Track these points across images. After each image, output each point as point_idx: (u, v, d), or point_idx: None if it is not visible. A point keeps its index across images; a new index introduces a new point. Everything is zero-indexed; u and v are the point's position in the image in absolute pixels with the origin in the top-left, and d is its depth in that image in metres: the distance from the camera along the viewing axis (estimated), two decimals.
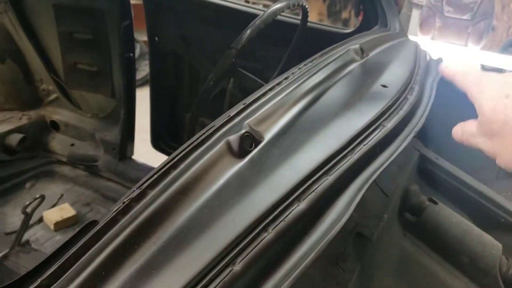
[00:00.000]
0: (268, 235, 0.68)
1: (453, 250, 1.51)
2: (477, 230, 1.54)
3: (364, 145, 0.89)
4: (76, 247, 0.61)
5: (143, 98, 3.05)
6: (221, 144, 0.79)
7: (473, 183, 1.74)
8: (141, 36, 4.81)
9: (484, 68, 1.98)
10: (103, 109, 3.04)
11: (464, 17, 5.81)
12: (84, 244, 0.62)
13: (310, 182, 0.77)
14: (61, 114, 3.17)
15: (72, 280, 0.59)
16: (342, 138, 0.88)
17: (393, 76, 1.21)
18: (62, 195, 2.80)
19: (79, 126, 3.07)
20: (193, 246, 0.64)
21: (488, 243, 1.51)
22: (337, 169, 0.82)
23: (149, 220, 0.66)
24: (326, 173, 0.80)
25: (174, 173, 0.73)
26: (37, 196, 2.03)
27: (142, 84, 4.90)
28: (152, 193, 0.70)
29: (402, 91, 1.13)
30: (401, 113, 1.05)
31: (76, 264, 0.60)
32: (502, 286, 1.45)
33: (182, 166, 0.74)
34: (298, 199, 0.74)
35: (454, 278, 1.50)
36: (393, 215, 1.54)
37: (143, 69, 5.76)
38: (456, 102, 1.85)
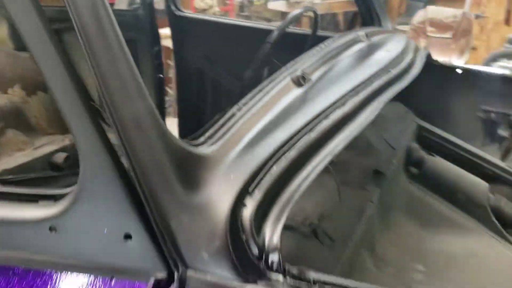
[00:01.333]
0: (326, 121, 1.09)
1: (451, 190, 1.90)
2: (468, 174, 1.95)
3: (380, 79, 1.32)
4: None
5: None
6: (288, 79, 1.21)
7: (463, 144, 2.14)
8: None
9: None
10: None
11: (446, 35, 6.35)
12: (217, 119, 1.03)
13: (349, 95, 1.19)
14: None
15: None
16: (365, 75, 1.31)
17: (393, 47, 1.64)
18: None
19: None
20: (284, 126, 1.05)
21: (478, 183, 1.91)
22: (364, 91, 1.24)
23: (254, 113, 1.07)
24: (356, 93, 1.22)
25: (262, 91, 1.15)
26: None
27: None
28: (251, 101, 1.11)
29: (400, 54, 1.57)
30: (402, 65, 1.48)
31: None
32: (491, 213, 1.84)
33: (267, 87, 1.16)
34: (342, 104, 1.16)
35: (454, 212, 1.89)
36: (400, 167, 1.94)
37: None
38: (441, 95, 2.30)
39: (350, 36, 1.68)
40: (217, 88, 3.21)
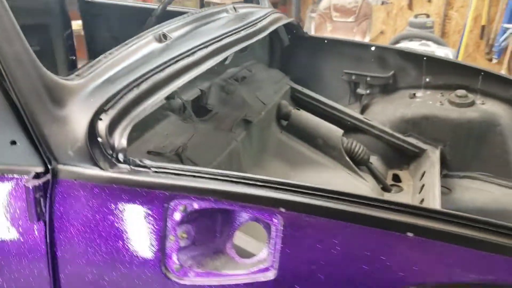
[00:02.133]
0: (175, 65, 1.44)
1: (312, 136, 2.32)
2: (326, 123, 2.37)
3: (230, 38, 1.69)
4: None
5: None
6: (151, 37, 1.55)
7: (328, 101, 2.57)
8: None
9: None
10: None
11: (349, 19, 6.91)
12: None
13: (198, 48, 1.55)
14: None
15: None
16: (217, 34, 1.67)
17: (252, 17, 2.03)
18: None
19: None
20: (141, 68, 1.38)
21: (334, 130, 2.33)
22: (212, 45, 1.60)
23: (117, 59, 1.39)
24: (206, 47, 1.58)
25: (127, 45, 1.47)
26: None
27: None
28: (116, 52, 1.43)
29: (254, 21, 1.95)
30: (251, 29, 1.87)
31: None
32: (345, 154, 2.26)
33: (132, 42, 1.49)
34: (192, 54, 1.51)
35: (315, 153, 2.30)
36: (271, 119, 2.33)
37: None
38: (313, 62, 2.70)
39: (218, 8, 2.04)
40: None
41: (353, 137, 2.45)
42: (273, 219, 1.09)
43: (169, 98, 1.84)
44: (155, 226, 1.13)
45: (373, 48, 2.63)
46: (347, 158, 2.27)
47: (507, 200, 2.26)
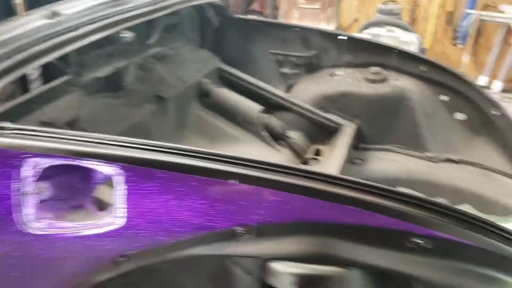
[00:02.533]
0: (58, 38, 1.54)
1: (231, 113, 2.42)
2: (246, 100, 2.48)
3: (128, 11, 1.80)
4: None
5: None
6: (40, 13, 1.65)
7: (253, 80, 2.67)
8: None
9: None
10: None
11: (315, 6, 6.97)
12: None
13: (84, 24, 1.65)
14: None
15: None
16: (107, 12, 1.77)
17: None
18: None
19: None
20: (25, 40, 1.48)
21: (252, 106, 2.44)
22: (99, 22, 1.70)
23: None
24: (91, 22, 1.69)
25: (15, 21, 1.57)
26: None
27: None
28: (3, 24, 1.53)
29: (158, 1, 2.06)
30: (157, 6, 1.97)
31: None
32: (261, 129, 2.37)
33: (20, 17, 1.58)
34: (75, 29, 1.61)
35: (235, 129, 2.41)
36: (192, 97, 2.44)
37: None
38: (243, 44, 2.78)
39: None
40: None
41: (278, 115, 2.57)
42: (117, 174, 1.19)
43: (76, 74, 1.93)
44: (12, 183, 1.23)
45: (297, 29, 2.72)
46: (264, 133, 2.38)
47: (417, 170, 2.38)
